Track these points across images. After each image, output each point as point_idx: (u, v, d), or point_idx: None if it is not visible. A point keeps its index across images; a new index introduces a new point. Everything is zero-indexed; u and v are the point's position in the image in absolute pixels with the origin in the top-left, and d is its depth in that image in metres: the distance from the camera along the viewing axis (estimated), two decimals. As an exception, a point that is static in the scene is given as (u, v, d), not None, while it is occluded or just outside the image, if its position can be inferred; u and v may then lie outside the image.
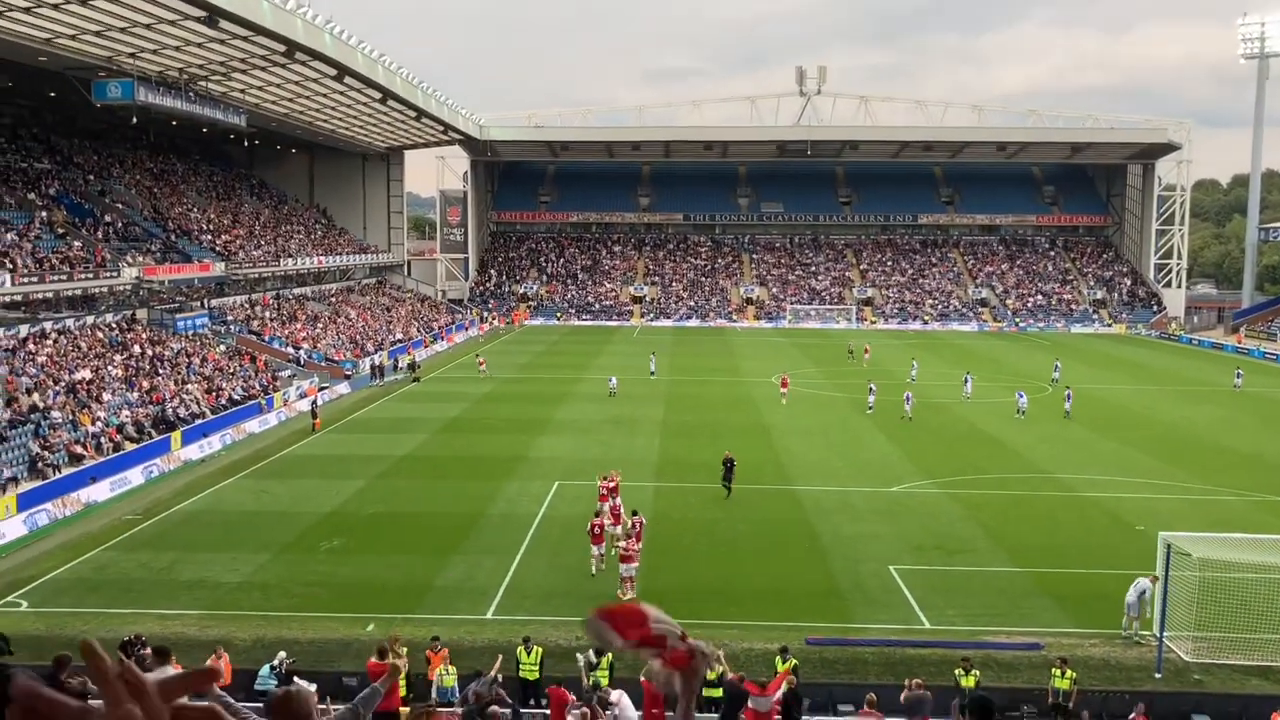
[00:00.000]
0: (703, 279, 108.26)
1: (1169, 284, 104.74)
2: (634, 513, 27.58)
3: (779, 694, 17.89)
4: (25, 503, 31.70)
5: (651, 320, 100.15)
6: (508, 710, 16.84)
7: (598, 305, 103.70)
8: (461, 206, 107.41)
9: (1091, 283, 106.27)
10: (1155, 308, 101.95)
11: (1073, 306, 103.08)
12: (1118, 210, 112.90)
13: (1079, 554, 27.97)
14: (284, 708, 4.32)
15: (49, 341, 45.78)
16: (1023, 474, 37.49)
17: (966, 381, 54.47)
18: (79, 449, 37.18)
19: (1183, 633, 21.93)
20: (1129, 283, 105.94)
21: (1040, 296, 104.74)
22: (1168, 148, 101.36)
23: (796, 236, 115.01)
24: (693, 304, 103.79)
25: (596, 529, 26.69)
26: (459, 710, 17.83)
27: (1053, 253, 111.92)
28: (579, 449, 40.98)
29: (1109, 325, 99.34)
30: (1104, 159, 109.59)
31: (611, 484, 30.03)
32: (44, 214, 53.36)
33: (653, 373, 61.45)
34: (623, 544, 25.19)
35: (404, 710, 16.29)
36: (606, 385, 54.63)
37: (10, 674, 2.67)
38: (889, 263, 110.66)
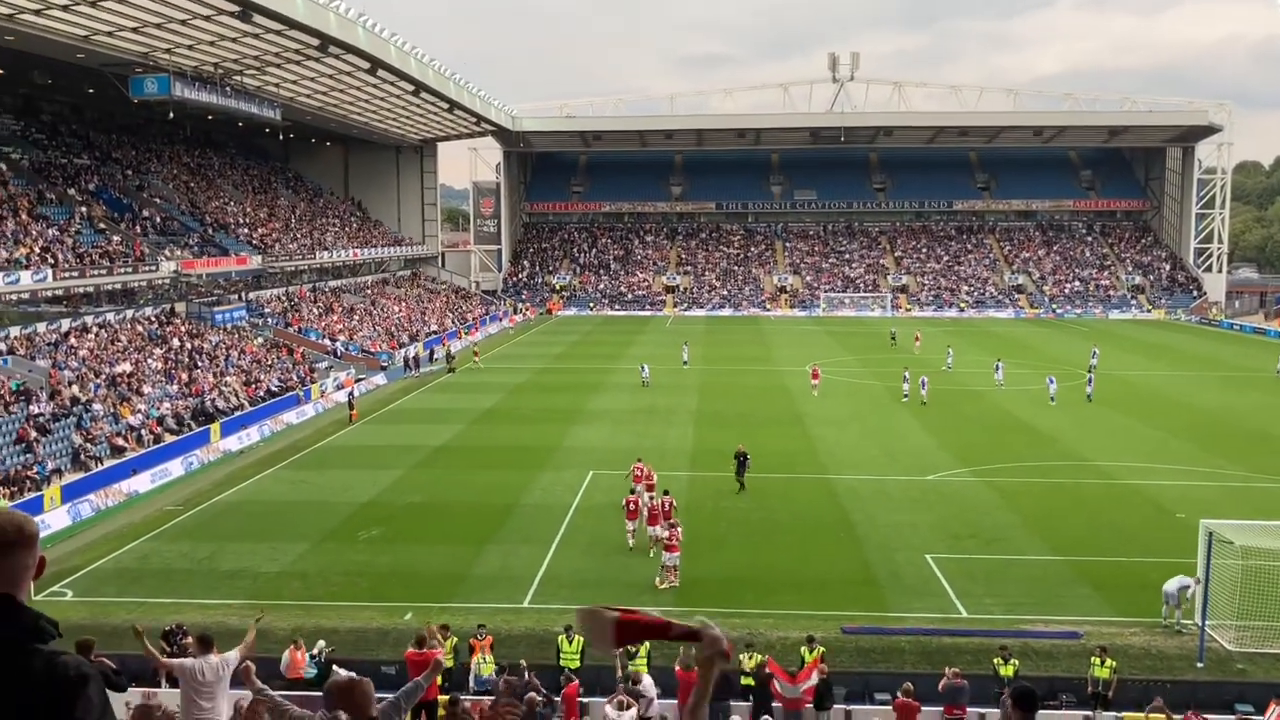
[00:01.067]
0: (735, 268, 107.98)
1: (1209, 268, 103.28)
2: (665, 492, 28.13)
3: (809, 683, 17.86)
4: (69, 494, 32.22)
5: (684, 310, 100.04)
6: (542, 698, 16.94)
7: (630, 295, 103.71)
8: (494, 198, 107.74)
9: (1130, 268, 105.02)
10: (1195, 293, 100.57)
11: (1111, 292, 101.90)
12: (1156, 194, 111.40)
13: (1119, 542, 27.69)
14: (346, 695, 4.36)
15: (90, 335, 46.44)
16: (1060, 461, 37.16)
17: (998, 369, 53.96)
18: (120, 441, 37.70)
19: (1225, 621, 21.68)
20: (1168, 268, 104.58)
21: (1078, 282, 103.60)
22: (1208, 130, 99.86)
23: (830, 224, 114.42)
24: (725, 293, 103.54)
25: (631, 505, 27.83)
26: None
27: (1090, 238, 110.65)
28: (613, 438, 41.05)
29: (1148, 311, 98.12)
30: (1142, 142, 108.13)
31: (645, 474, 30.14)
32: (84, 209, 54.06)
33: (685, 362, 61.40)
34: (665, 534, 25.20)
35: (442, 699, 16.40)
36: (639, 375, 54.62)
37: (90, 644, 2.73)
38: (924, 249, 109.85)
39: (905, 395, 49.28)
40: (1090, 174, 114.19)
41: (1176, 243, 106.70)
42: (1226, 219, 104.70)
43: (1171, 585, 22.36)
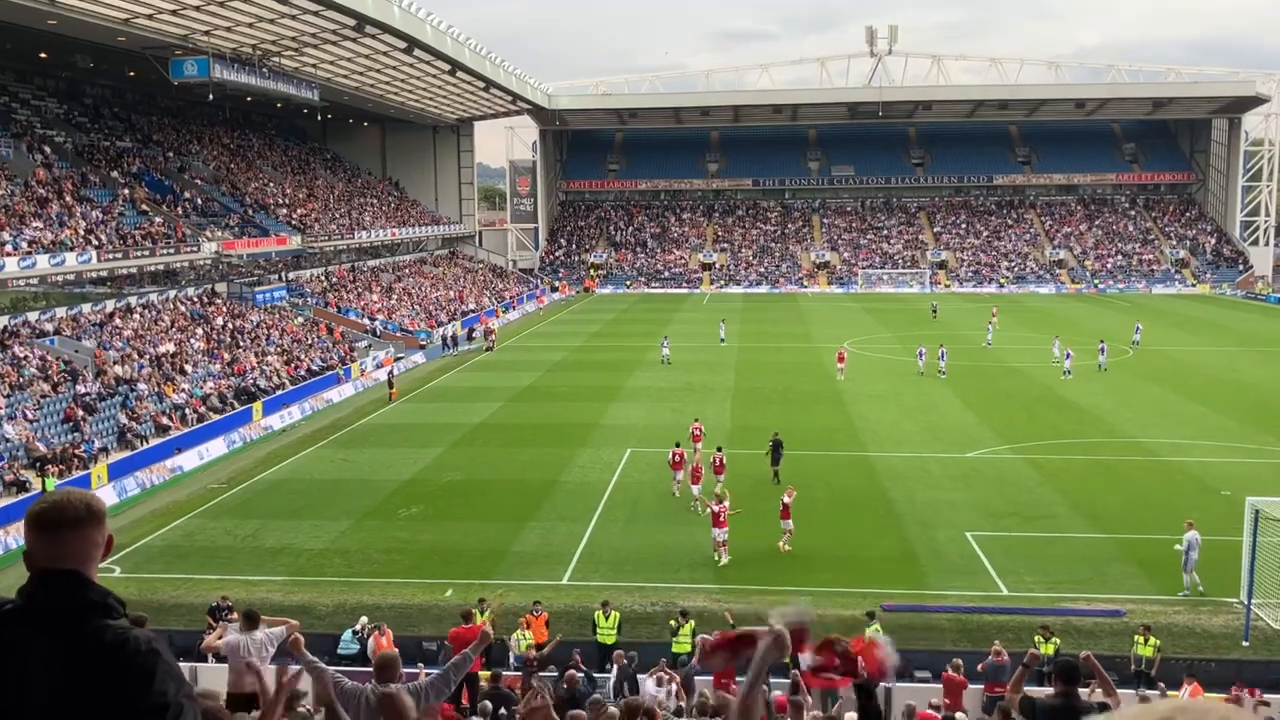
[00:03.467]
0: (773, 244, 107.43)
1: (1255, 242, 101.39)
2: (718, 448, 30.40)
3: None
4: (116, 472, 32.76)
5: (721, 287, 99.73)
6: (582, 674, 17.05)
7: (667, 273, 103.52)
8: (531, 176, 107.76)
9: (1174, 242, 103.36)
10: (1241, 267, 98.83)
11: (1154, 267, 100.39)
12: (1201, 167, 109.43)
13: (1163, 519, 27.34)
14: (391, 709, 4.42)
15: (134, 316, 47.07)
16: (1103, 438, 36.76)
17: (1068, 356, 51.41)
18: (165, 420, 38.24)
19: (1271, 600, 21.40)
20: (1213, 241, 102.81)
21: (1120, 257, 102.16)
22: (1255, 100, 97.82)
23: (868, 200, 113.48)
24: (762, 270, 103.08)
25: (676, 457, 30.02)
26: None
27: (1133, 212, 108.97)
28: (651, 416, 41.11)
29: (1192, 285, 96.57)
30: (1187, 114, 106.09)
31: (698, 434, 33.63)
32: (126, 191, 54.69)
33: (723, 339, 61.26)
34: (715, 507, 25.05)
35: (484, 674, 16.56)
36: (687, 353, 53.91)
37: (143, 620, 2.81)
38: (963, 225, 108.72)
39: (921, 370, 49.52)
40: (1133, 147, 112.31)
41: (1222, 216, 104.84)
42: (1275, 191, 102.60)
43: (1191, 551, 22.54)
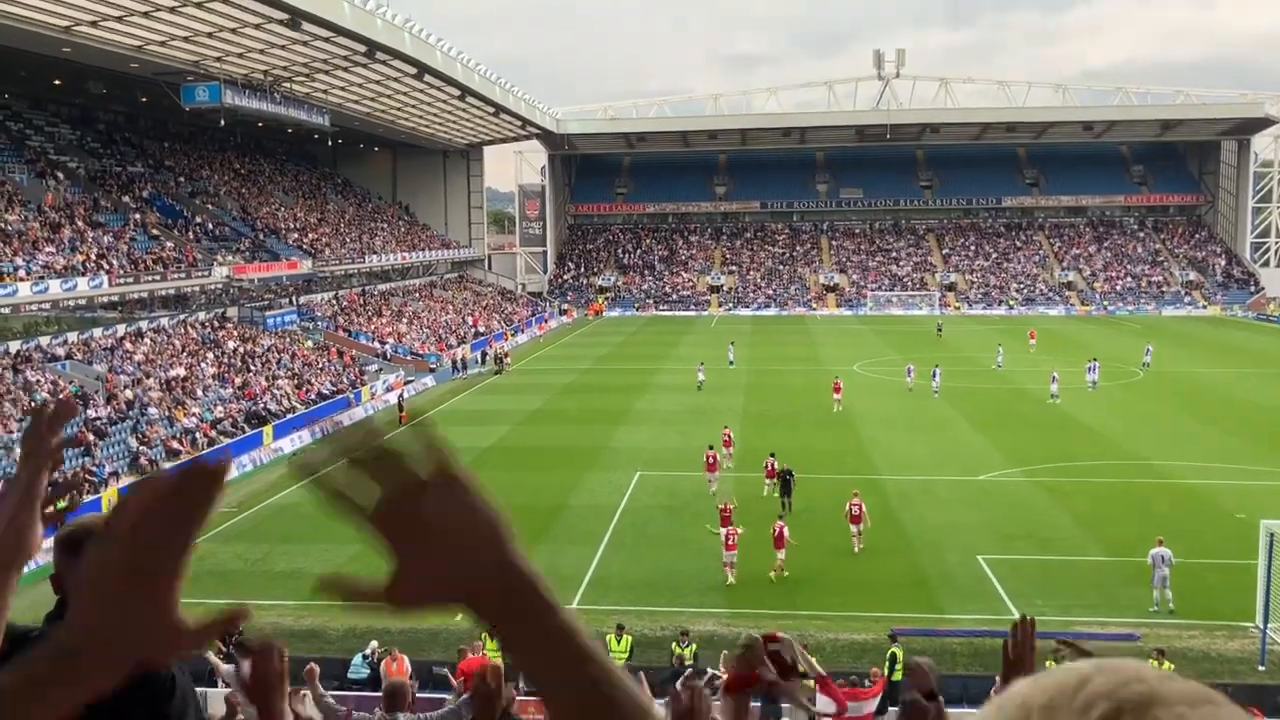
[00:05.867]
0: (781, 267, 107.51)
1: (1266, 263, 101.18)
2: (771, 454, 32.51)
3: (873, 704, 16.92)
4: (126, 496, 32.79)
5: (729, 310, 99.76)
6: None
7: (675, 295, 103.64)
8: (540, 200, 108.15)
9: (1183, 264, 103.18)
10: (1253, 288, 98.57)
11: (1164, 289, 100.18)
12: (1211, 188, 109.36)
13: (1176, 543, 27.01)
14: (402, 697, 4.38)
15: (145, 340, 47.25)
16: (1114, 460, 36.58)
17: (1091, 369, 51.57)
18: (175, 444, 38.32)
19: (1287, 624, 21.23)
20: (1223, 263, 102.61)
21: (1129, 279, 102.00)
22: (1264, 122, 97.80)
23: (876, 222, 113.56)
24: (771, 292, 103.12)
25: (710, 459, 32.67)
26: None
27: (1142, 234, 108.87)
28: (659, 439, 41.05)
29: (1203, 307, 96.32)
30: (1196, 135, 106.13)
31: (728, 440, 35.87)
32: (138, 216, 55.03)
33: (731, 362, 61.20)
34: (721, 531, 25.24)
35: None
36: (694, 376, 53.96)
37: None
38: (972, 247, 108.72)
39: (910, 387, 50.32)
40: (1142, 169, 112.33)
41: (1232, 237, 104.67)
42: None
43: (1162, 567, 22.81)
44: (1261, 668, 20.30)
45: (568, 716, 1.16)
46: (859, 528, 26.76)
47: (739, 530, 24.94)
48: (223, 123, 57.83)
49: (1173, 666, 18.71)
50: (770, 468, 31.91)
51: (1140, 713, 0.74)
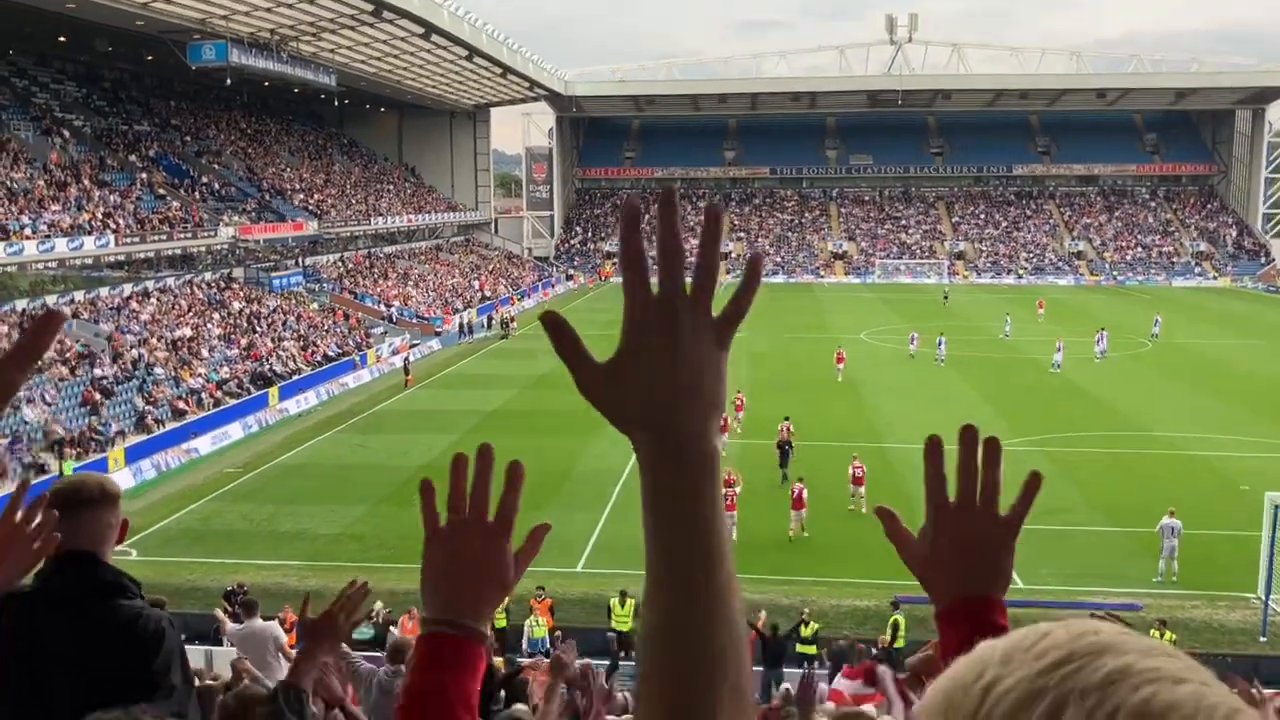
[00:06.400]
0: (789, 234, 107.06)
1: (1278, 235, 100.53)
2: (785, 418, 32.55)
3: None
4: (133, 455, 32.95)
5: (737, 277, 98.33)
6: (605, 663, 17.08)
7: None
8: (547, 163, 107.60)
9: (1194, 234, 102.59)
10: (1264, 259, 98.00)
11: (1174, 259, 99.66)
12: (1224, 158, 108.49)
13: (1181, 514, 27.07)
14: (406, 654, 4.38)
15: (151, 300, 47.26)
16: (1120, 431, 36.54)
17: (1100, 339, 51.80)
18: (181, 404, 38.41)
19: (1290, 595, 21.26)
20: (1235, 234, 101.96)
21: (1140, 249, 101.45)
22: (1279, 91, 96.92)
23: (886, 189, 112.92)
24: (779, 259, 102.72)
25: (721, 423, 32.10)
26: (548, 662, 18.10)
27: (1153, 203, 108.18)
28: (666, 405, 41.03)
29: (1213, 278, 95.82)
30: (1210, 104, 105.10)
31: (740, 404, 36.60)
32: (144, 175, 54.87)
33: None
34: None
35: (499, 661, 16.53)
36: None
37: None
38: (982, 215, 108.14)
39: (912, 354, 50.72)
40: (1154, 138, 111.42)
41: (1244, 208, 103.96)
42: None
43: (1171, 537, 23.02)
44: (1263, 639, 20.35)
45: (671, 556, 1.24)
46: (861, 489, 27.12)
47: (737, 489, 25.22)
48: (229, 82, 57.47)
49: (1174, 637, 18.78)
50: (785, 431, 32.15)
51: (1092, 659, 0.77)
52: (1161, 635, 18.71)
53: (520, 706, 6.74)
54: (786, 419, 32.73)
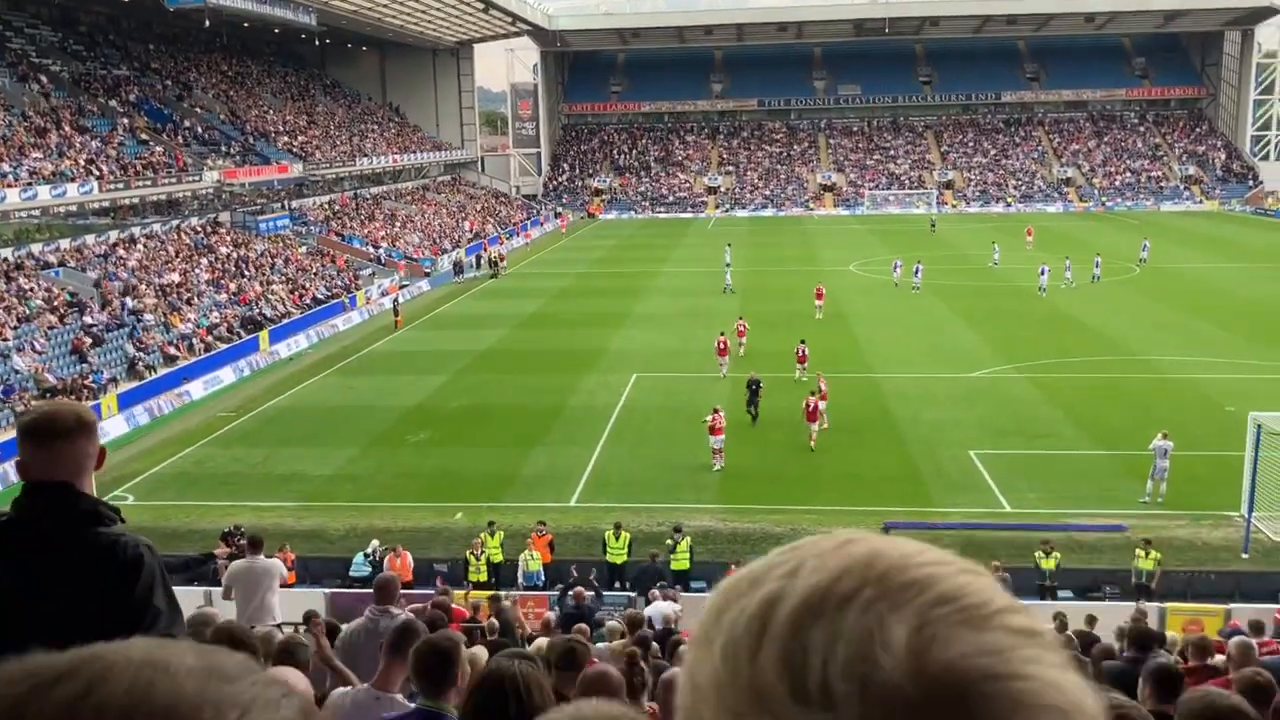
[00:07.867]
0: (778, 167, 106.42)
1: (1266, 157, 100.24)
2: (801, 341, 34.16)
3: None
4: (125, 402, 33.02)
5: (726, 211, 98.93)
6: (591, 593, 17.36)
7: (672, 197, 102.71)
8: (532, 100, 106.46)
9: (1183, 158, 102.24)
10: (1251, 182, 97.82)
11: (1163, 184, 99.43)
12: (1213, 81, 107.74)
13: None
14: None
15: (138, 246, 47.01)
16: (1107, 356, 36.79)
17: (1043, 272, 51.99)
18: (172, 350, 38.42)
19: (1272, 513, 21.63)
20: (1223, 157, 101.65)
21: (1129, 174, 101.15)
22: (1269, 11, 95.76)
23: (875, 119, 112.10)
24: (768, 193, 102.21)
25: (721, 345, 34.78)
26: (546, 595, 18.46)
27: (1142, 128, 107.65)
28: (656, 341, 41.20)
29: (1200, 202, 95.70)
30: (1199, 26, 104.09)
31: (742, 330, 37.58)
32: (125, 121, 54.23)
33: (728, 264, 60.92)
34: (707, 418, 25.82)
35: (483, 594, 16.83)
36: (696, 281, 54.15)
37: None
38: (970, 144, 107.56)
39: (895, 283, 51.45)
40: (1143, 61, 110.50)
41: (1233, 131, 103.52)
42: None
43: (1162, 460, 23.09)
44: (1245, 555, 20.74)
45: None
46: (815, 426, 27.25)
47: (723, 418, 25.81)
48: (207, 23, 56.69)
49: (1160, 555, 19.13)
50: (801, 354, 33.58)
51: (822, 551, 0.75)
52: (1147, 554, 19.08)
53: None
54: (803, 341, 34.25)
